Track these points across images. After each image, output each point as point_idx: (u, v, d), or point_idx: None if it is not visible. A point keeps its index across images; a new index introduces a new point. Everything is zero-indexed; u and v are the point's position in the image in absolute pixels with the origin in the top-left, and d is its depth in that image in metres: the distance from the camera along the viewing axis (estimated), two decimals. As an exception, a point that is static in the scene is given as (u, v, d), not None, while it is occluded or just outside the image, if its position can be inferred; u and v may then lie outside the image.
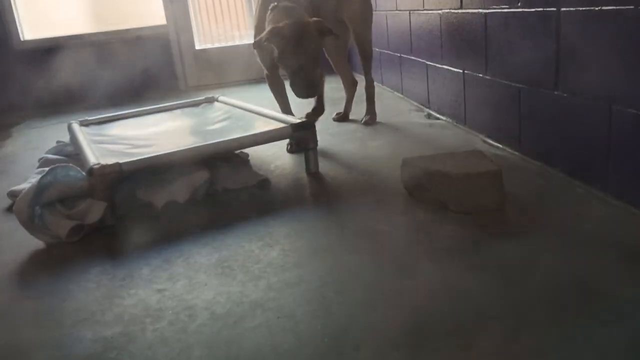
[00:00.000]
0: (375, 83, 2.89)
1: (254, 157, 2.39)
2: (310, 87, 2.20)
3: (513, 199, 1.72)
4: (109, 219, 1.81)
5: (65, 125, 2.69)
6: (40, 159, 2.38)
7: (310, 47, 2.17)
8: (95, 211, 1.77)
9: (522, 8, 1.92)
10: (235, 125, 2.41)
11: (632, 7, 1.43)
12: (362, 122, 2.87)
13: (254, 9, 4.89)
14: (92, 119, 2.78)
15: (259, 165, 2.32)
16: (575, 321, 1.11)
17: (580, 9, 1.63)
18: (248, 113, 2.56)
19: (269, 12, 2.27)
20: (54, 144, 2.58)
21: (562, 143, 1.83)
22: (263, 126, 2.27)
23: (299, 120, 2.18)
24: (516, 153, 2.11)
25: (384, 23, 3.51)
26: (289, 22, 2.17)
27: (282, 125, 2.19)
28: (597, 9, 1.56)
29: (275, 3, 2.27)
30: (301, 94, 2.21)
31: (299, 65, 2.18)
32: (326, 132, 2.68)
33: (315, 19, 2.23)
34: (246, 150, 2.34)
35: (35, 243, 1.73)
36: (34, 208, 1.74)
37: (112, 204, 1.82)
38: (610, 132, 1.58)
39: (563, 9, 1.71)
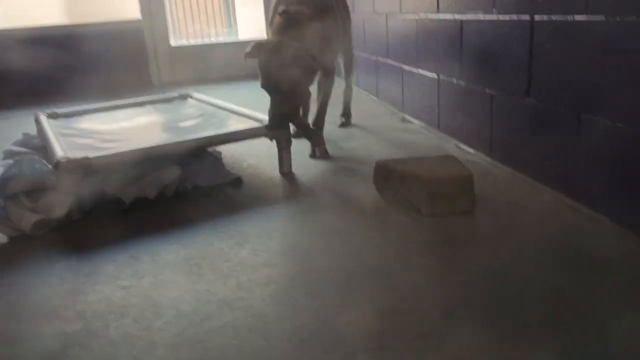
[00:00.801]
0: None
1: (226, 155, 2.36)
2: (273, 118, 2.04)
3: (483, 203, 1.73)
4: (75, 214, 1.77)
5: (33, 118, 2.62)
6: (5, 150, 2.31)
7: (283, 77, 1.99)
8: (61, 205, 1.73)
9: (497, 15, 1.94)
10: (209, 123, 2.38)
11: (602, 17, 1.45)
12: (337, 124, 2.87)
13: (230, 7, 4.90)
14: (61, 112, 2.71)
15: (231, 163, 2.30)
16: (542, 328, 1.12)
17: (554, 17, 1.65)
18: (222, 111, 2.53)
19: (276, 16, 2.15)
20: (20, 136, 2.51)
21: (532, 149, 1.86)
22: (237, 124, 2.25)
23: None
24: (488, 159, 2.13)
25: (361, 26, 3.52)
26: (273, 42, 2.06)
27: (255, 123, 2.17)
28: (569, 18, 1.58)
29: (285, 7, 2.13)
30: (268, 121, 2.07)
31: (267, 91, 2.05)
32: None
33: (300, 47, 2.03)
34: (219, 148, 2.31)
35: (-4, 236, 1.68)
36: (-3, 200, 1.69)
37: (79, 199, 1.78)
38: (579, 139, 1.61)
39: (537, 18, 1.73)
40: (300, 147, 2.35)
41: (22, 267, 1.50)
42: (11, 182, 1.72)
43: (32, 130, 2.54)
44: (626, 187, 1.46)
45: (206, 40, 4.86)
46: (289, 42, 2.05)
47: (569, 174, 1.68)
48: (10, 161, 1.79)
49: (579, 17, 1.54)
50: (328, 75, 2.40)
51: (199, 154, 2.12)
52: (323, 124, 2.43)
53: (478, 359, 1.03)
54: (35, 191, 1.77)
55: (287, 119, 2.11)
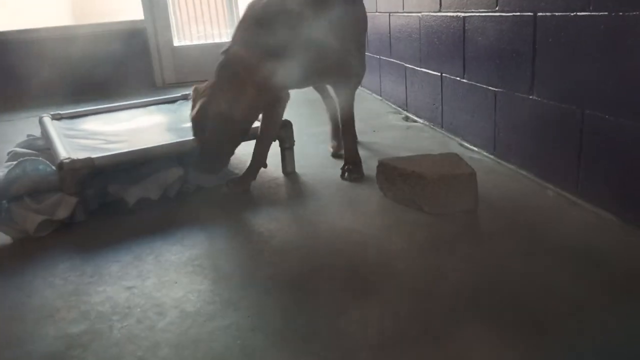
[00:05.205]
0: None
1: (229, 156, 2.36)
2: (200, 161, 1.90)
3: (487, 201, 1.72)
4: (79, 215, 1.78)
5: (37, 119, 2.63)
6: (10, 152, 2.32)
7: (209, 131, 1.85)
8: (65, 206, 1.73)
9: (499, 12, 1.94)
10: (212, 123, 2.37)
11: (606, 13, 1.44)
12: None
13: (234, 7, 4.90)
14: (65, 113, 2.72)
15: (234, 164, 2.30)
16: (543, 326, 1.11)
17: (557, 14, 1.64)
18: (225, 111, 2.53)
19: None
20: (24, 138, 2.52)
21: (535, 147, 1.85)
22: (239, 124, 2.24)
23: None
24: (491, 156, 2.13)
25: (363, 25, 3.51)
26: (201, 100, 1.91)
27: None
28: (572, 14, 1.57)
29: (226, 47, 1.99)
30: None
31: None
32: (303, 133, 2.67)
33: (220, 109, 1.88)
34: (222, 148, 2.31)
35: (1, 237, 1.69)
36: (1, 202, 1.69)
37: (83, 200, 1.78)
38: (582, 136, 1.60)
39: (539, 14, 1.72)
40: (303, 148, 2.35)
41: (26, 268, 1.50)
42: (15, 183, 1.72)
43: (36, 131, 2.55)
44: (630, 183, 1.46)
45: (209, 41, 4.86)
46: (211, 103, 1.90)
47: (572, 171, 1.67)
48: (14, 162, 1.79)
49: (582, 13, 1.54)
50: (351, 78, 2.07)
51: (202, 154, 2.12)
52: (355, 141, 2.19)
53: (482, 358, 1.03)
54: (39, 192, 1.78)
55: (214, 164, 1.95)
